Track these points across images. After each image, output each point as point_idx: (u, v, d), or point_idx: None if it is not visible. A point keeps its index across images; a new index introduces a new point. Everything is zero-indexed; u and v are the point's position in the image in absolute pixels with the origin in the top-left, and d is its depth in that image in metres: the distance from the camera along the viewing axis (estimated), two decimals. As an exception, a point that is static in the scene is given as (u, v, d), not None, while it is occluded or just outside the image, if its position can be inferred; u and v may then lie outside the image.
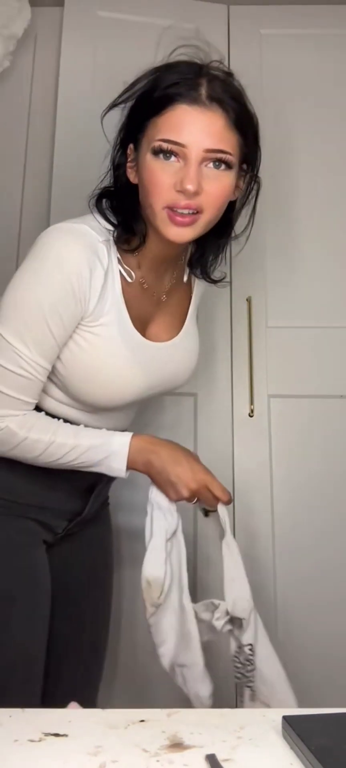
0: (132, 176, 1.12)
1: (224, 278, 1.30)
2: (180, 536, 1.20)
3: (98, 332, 1.11)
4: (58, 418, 1.15)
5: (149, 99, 1.06)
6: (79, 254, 1.07)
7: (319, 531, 1.77)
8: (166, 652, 1.14)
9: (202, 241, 1.18)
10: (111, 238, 1.14)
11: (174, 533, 1.18)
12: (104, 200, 1.16)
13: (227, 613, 1.15)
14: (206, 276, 1.27)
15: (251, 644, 1.13)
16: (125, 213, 1.14)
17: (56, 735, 0.69)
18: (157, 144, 1.04)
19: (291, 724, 0.69)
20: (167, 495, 1.16)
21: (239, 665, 1.13)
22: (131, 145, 1.12)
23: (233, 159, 1.06)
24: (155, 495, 1.17)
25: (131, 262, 1.17)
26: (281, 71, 1.93)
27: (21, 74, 2.02)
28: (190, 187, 1.02)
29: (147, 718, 0.73)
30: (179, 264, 1.26)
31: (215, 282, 1.28)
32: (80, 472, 1.15)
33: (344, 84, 1.97)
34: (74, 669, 1.26)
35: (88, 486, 1.23)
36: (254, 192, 1.18)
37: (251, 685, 1.13)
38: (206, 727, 0.71)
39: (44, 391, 1.14)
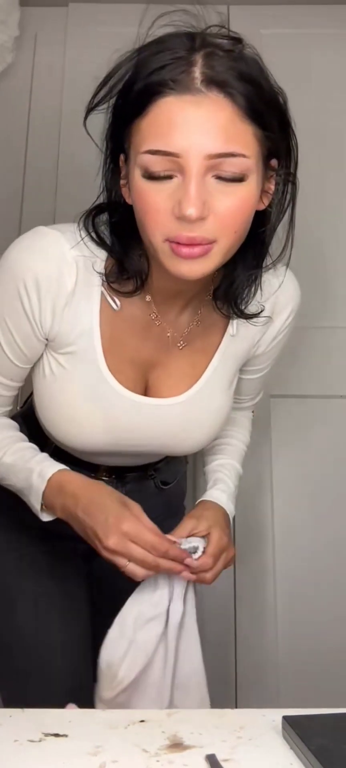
0: (127, 196, 0.87)
1: (261, 311, 0.97)
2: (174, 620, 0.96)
3: (64, 363, 0.95)
4: (43, 431, 1.04)
5: (129, 94, 0.79)
6: (29, 268, 0.89)
7: (319, 531, 1.77)
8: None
9: (230, 267, 0.91)
10: (100, 259, 0.92)
11: (159, 617, 0.95)
12: (98, 218, 0.93)
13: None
14: (237, 311, 0.96)
15: None
16: (119, 245, 0.90)
17: (56, 735, 0.69)
18: (145, 158, 0.78)
19: (291, 724, 0.69)
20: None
21: None
22: (122, 156, 0.86)
23: (249, 161, 0.79)
24: None
25: (139, 296, 0.95)
26: (281, 71, 1.93)
27: (21, 74, 2.01)
28: (191, 211, 0.76)
29: (147, 718, 0.73)
30: (206, 300, 0.97)
31: (249, 317, 0.97)
32: None
33: (344, 84, 1.97)
34: None
35: None
36: (289, 196, 0.94)
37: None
38: (206, 727, 0.71)
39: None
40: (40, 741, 0.68)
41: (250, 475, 1.82)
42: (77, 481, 0.96)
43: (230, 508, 1.09)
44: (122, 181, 0.88)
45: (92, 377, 0.95)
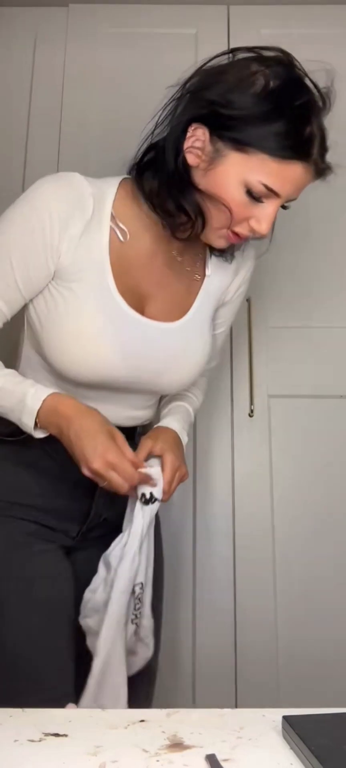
0: (191, 159, 1.04)
1: (227, 250, 1.18)
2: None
3: (75, 289, 1.06)
4: None
5: (263, 134, 0.98)
6: (57, 195, 1.05)
7: (319, 531, 1.77)
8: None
9: None
10: (108, 195, 1.10)
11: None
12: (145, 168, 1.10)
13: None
14: (221, 252, 1.19)
15: (141, 583, 1.10)
16: (176, 193, 1.06)
17: (56, 735, 0.69)
18: (257, 185, 0.99)
19: (291, 724, 0.69)
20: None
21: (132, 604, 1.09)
22: (204, 130, 1.02)
23: None
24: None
25: (141, 231, 1.11)
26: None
27: (21, 74, 2.01)
28: (265, 234, 1.03)
29: (147, 718, 0.73)
30: (193, 243, 1.18)
31: (227, 252, 1.19)
32: (78, 469, 1.07)
33: (344, 84, 1.97)
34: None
35: (92, 484, 1.15)
36: None
37: (136, 621, 1.10)
38: (206, 727, 0.71)
39: (33, 375, 1.13)
40: (40, 741, 0.68)
41: (250, 475, 1.82)
42: (71, 404, 1.06)
43: (181, 434, 1.22)
44: (194, 146, 1.03)
45: (103, 297, 1.07)
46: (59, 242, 1.06)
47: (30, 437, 1.09)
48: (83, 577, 1.14)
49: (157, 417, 1.29)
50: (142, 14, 1.98)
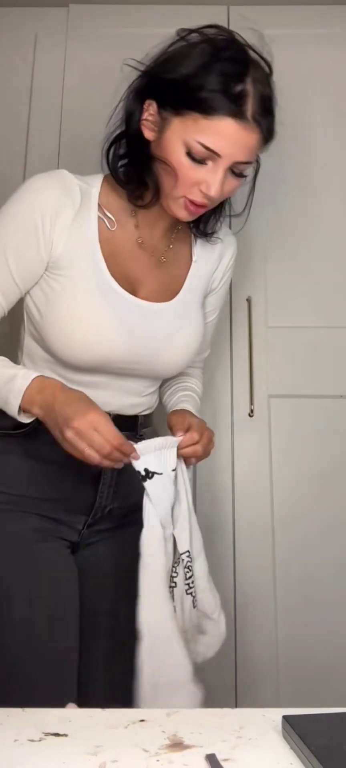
0: (148, 134, 1.12)
1: (214, 233, 1.28)
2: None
3: (70, 274, 1.12)
4: None
5: (195, 94, 1.04)
6: (46, 188, 1.12)
7: (319, 531, 1.77)
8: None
9: None
10: (93, 188, 1.17)
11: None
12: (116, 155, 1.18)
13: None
14: (203, 234, 1.27)
15: (188, 551, 1.11)
16: (137, 166, 1.15)
17: (56, 735, 0.69)
18: (195, 145, 1.05)
19: (291, 724, 0.69)
20: (61, 445, 1.05)
21: (180, 576, 1.10)
22: (154, 104, 1.11)
23: (252, 166, 1.13)
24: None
25: (126, 220, 1.19)
26: (281, 71, 1.93)
27: (21, 74, 2.01)
28: (215, 195, 1.08)
29: (147, 718, 0.73)
30: (177, 230, 1.26)
31: (210, 236, 1.28)
32: (80, 461, 1.07)
33: (345, 84, 1.97)
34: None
35: (95, 473, 1.18)
36: (254, 171, 1.19)
37: (191, 591, 1.11)
38: (205, 727, 0.71)
39: (34, 367, 1.16)
40: (40, 741, 0.68)
41: (249, 475, 1.82)
42: (58, 384, 1.08)
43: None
44: (147, 120, 1.12)
45: (98, 279, 1.13)
46: (51, 232, 1.11)
47: (34, 430, 1.11)
48: (91, 574, 1.14)
49: (159, 412, 1.29)
50: (142, 14, 1.97)
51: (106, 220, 1.17)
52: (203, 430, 1.17)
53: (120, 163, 1.19)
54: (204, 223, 1.26)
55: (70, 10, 2.02)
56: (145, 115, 1.12)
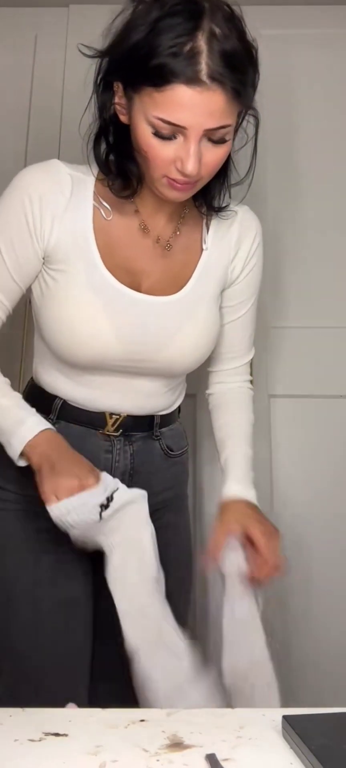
0: (123, 118, 1.04)
1: (227, 206, 1.18)
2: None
3: (63, 269, 1.08)
4: (48, 394, 1.15)
5: (144, 64, 0.95)
6: (34, 180, 1.09)
7: (320, 530, 1.77)
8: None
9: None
10: (89, 176, 1.11)
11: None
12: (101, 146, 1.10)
13: None
14: (212, 209, 1.17)
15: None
16: (118, 155, 1.08)
17: (56, 735, 0.69)
18: (155, 122, 0.96)
19: (291, 724, 0.69)
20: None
21: None
22: (119, 85, 1.02)
23: (231, 126, 1.00)
24: None
25: (125, 207, 1.12)
26: (281, 71, 1.93)
27: (21, 74, 2.01)
28: (191, 170, 0.98)
29: (147, 718, 0.73)
30: (184, 213, 1.17)
31: (219, 211, 1.17)
32: (91, 461, 1.07)
33: (345, 84, 1.97)
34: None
35: (103, 468, 1.13)
36: (253, 128, 1.10)
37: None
38: (206, 726, 0.71)
39: (41, 363, 1.16)
40: (40, 741, 0.68)
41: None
42: (57, 444, 1.06)
43: (250, 494, 1.16)
44: (119, 105, 1.04)
45: (91, 274, 1.08)
46: (41, 223, 1.08)
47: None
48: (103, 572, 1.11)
49: (188, 411, 1.30)
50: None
51: (102, 210, 1.11)
52: (268, 535, 1.08)
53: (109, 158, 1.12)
54: (209, 196, 1.15)
55: (70, 10, 2.02)
56: (116, 99, 1.04)
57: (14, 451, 1.06)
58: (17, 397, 1.11)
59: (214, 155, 1.01)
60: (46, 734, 0.69)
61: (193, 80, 0.93)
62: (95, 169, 1.12)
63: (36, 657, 1.07)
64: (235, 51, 0.96)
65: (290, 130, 1.93)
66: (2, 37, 2.03)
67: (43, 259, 1.10)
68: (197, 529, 1.78)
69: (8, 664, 1.11)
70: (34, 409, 1.10)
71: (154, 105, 0.96)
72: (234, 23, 0.98)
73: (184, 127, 0.96)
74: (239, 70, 0.96)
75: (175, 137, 0.97)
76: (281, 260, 1.89)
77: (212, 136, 0.98)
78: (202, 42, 0.93)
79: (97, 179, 1.12)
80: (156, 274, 1.13)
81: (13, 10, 2.02)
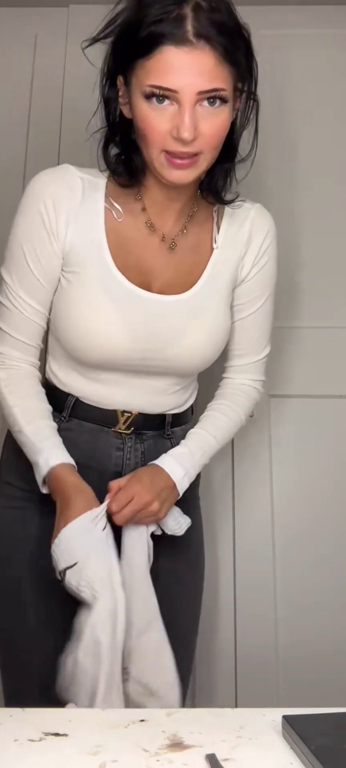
0: (126, 111, 1.07)
1: (237, 198, 1.18)
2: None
3: (77, 270, 1.11)
4: (61, 392, 1.17)
5: (134, 38, 0.99)
6: (46, 183, 1.11)
7: (319, 531, 1.77)
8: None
9: (209, 168, 1.12)
10: (99, 179, 1.13)
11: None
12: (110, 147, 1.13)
13: None
14: (220, 200, 1.17)
15: None
16: (123, 150, 1.11)
17: (56, 735, 0.69)
18: (148, 90, 0.99)
19: (291, 724, 0.69)
20: None
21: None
22: (121, 78, 1.06)
23: (227, 93, 1.01)
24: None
25: (134, 206, 1.14)
26: (281, 72, 1.93)
27: (21, 74, 2.01)
28: (186, 135, 0.98)
29: (147, 718, 0.73)
30: (193, 211, 1.18)
31: (228, 203, 1.18)
32: (103, 458, 1.14)
33: (344, 84, 1.97)
34: None
35: (118, 472, 1.17)
36: (253, 111, 1.12)
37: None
38: (205, 726, 0.71)
39: (56, 361, 1.18)
40: (40, 741, 0.68)
41: (250, 475, 1.82)
42: (70, 482, 1.07)
43: (166, 463, 1.15)
44: (122, 98, 1.07)
45: (103, 274, 1.10)
46: (57, 224, 1.10)
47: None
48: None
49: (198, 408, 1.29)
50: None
51: (113, 211, 1.13)
52: (127, 499, 1.07)
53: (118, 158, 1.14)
54: (213, 183, 1.15)
55: (70, 10, 2.02)
56: (120, 94, 1.08)
57: (38, 481, 1.09)
58: (41, 428, 1.12)
59: (210, 125, 1.01)
60: (46, 734, 0.69)
61: (180, 40, 0.96)
62: (105, 172, 1.14)
63: (44, 658, 1.07)
64: (222, 18, 0.99)
65: (287, 128, 1.93)
66: (2, 37, 2.03)
67: (62, 260, 1.12)
68: (209, 530, 1.78)
69: (14, 664, 1.13)
70: (51, 440, 1.10)
71: (146, 74, 0.99)
72: (221, 1, 1.01)
73: (175, 91, 0.98)
74: (226, 33, 0.99)
75: (170, 102, 0.99)
76: (280, 260, 1.89)
77: (206, 101, 1.00)
78: (187, 10, 0.97)
79: (108, 181, 1.15)
80: (166, 274, 1.14)
81: (13, 10, 2.02)
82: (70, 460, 1.09)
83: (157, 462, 1.15)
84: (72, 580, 0.99)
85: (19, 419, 1.11)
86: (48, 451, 1.08)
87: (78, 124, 1.93)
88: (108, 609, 0.98)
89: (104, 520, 1.05)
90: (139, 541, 1.10)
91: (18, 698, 1.04)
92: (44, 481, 1.08)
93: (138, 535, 1.10)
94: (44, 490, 1.09)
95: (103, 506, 1.06)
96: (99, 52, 1.12)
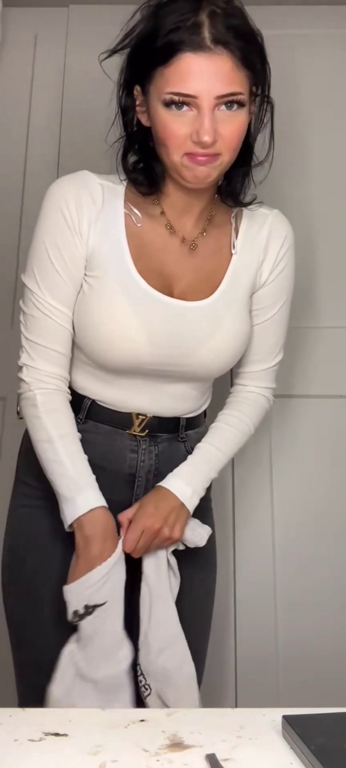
0: (144, 120, 1.10)
1: (254, 200, 1.20)
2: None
3: (98, 275, 1.10)
4: (78, 394, 1.16)
5: (152, 47, 1.02)
6: (68, 186, 1.12)
7: (319, 531, 1.77)
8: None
9: (227, 172, 1.14)
10: (118, 184, 1.15)
11: None
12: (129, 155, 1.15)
13: None
14: (238, 202, 1.19)
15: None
16: (142, 158, 1.14)
17: (56, 735, 0.69)
18: (168, 97, 1.01)
19: (291, 723, 0.69)
20: None
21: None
22: (138, 87, 1.09)
23: (244, 97, 1.04)
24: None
25: (152, 211, 1.15)
26: (281, 72, 1.92)
27: (21, 74, 2.01)
28: (207, 138, 1.01)
29: (147, 718, 0.73)
30: (211, 216, 1.19)
31: (247, 205, 1.20)
32: (117, 460, 1.15)
33: (344, 84, 1.97)
34: None
35: (132, 474, 1.19)
36: (268, 114, 1.14)
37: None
38: (205, 726, 0.71)
39: (74, 364, 1.17)
40: (40, 741, 0.68)
41: (250, 475, 1.82)
42: (98, 532, 1.07)
43: (176, 486, 1.16)
44: (139, 108, 1.10)
45: (124, 279, 1.10)
46: (80, 223, 1.10)
47: None
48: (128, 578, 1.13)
49: (210, 414, 1.30)
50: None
51: (132, 216, 1.14)
52: (141, 526, 1.10)
53: (136, 166, 1.16)
54: (231, 185, 1.18)
55: (70, 10, 2.02)
56: (137, 103, 1.10)
57: (65, 520, 1.09)
58: (75, 453, 1.11)
59: (229, 128, 1.04)
60: (46, 734, 0.69)
61: (198, 46, 0.99)
62: (124, 179, 1.16)
63: (58, 654, 1.07)
64: (237, 23, 1.02)
65: (287, 128, 1.93)
66: (2, 37, 2.03)
67: (86, 262, 1.12)
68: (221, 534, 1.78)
69: (29, 659, 1.13)
70: (86, 478, 1.10)
71: (165, 82, 1.01)
72: (234, 5, 1.05)
73: (195, 96, 1.00)
74: (242, 38, 1.02)
75: (189, 108, 1.02)
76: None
77: (224, 106, 1.02)
78: (204, 16, 1.00)
79: (127, 187, 1.16)
80: (187, 278, 1.15)
81: (13, 10, 2.02)
82: (105, 503, 1.10)
83: (163, 483, 1.15)
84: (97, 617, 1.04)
85: (63, 457, 1.10)
86: (88, 492, 1.09)
87: (78, 123, 1.94)
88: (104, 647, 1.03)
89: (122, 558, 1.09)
90: (155, 563, 1.12)
91: (31, 694, 1.06)
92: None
93: (155, 559, 1.12)
94: (69, 529, 1.09)
95: (119, 548, 1.08)
96: (99, 52, 1.12)
